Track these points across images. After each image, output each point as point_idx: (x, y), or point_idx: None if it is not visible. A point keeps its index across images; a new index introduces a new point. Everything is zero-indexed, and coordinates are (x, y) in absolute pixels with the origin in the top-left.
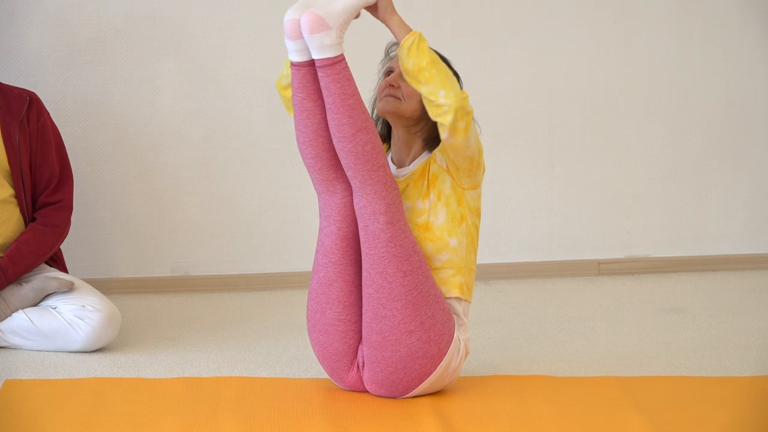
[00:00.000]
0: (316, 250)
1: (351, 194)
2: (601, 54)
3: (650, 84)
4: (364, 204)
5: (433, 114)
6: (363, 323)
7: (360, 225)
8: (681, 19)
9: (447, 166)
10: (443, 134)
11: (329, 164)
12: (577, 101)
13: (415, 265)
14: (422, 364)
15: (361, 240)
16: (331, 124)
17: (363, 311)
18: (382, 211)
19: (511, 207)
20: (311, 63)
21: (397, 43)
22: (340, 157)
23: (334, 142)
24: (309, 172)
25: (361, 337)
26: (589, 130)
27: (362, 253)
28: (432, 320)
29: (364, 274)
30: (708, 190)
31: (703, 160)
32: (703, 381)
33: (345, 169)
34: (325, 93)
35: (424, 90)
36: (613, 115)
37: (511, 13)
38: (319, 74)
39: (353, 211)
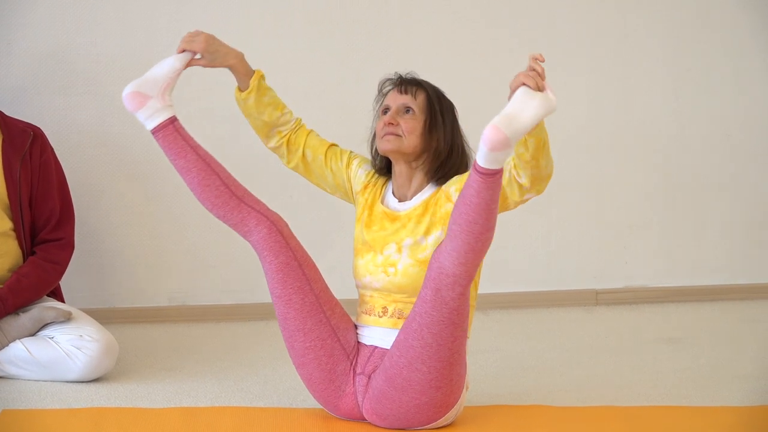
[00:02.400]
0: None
1: (266, 227)
2: (598, 85)
3: (648, 115)
4: (449, 267)
5: (536, 181)
6: (389, 361)
7: (431, 285)
8: (678, 51)
9: None
10: (524, 195)
11: (228, 208)
12: (574, 132)
13: (464, 330)
14: (435, 411)
15: (425, 296)
16: (473, 212)
17: (395, 351)
18: (463, 283)
19: (509, 237)
20: (168, 122)
21: (389, 80)
22: (454, 230)
23: (459, 222)
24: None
25: (338, 360)
26: (587, 161)
27: (419, 307)
28: (458, 377)
29: (413, 324)
30: (706, 221)
31: (701, 190)
32: (702, 411)
33: (450, 238)
34: (474, 195)
35: (543, 162)
36: (611, 145)
37: (508, 43)
38: (478, 178)
39: (276, 241)
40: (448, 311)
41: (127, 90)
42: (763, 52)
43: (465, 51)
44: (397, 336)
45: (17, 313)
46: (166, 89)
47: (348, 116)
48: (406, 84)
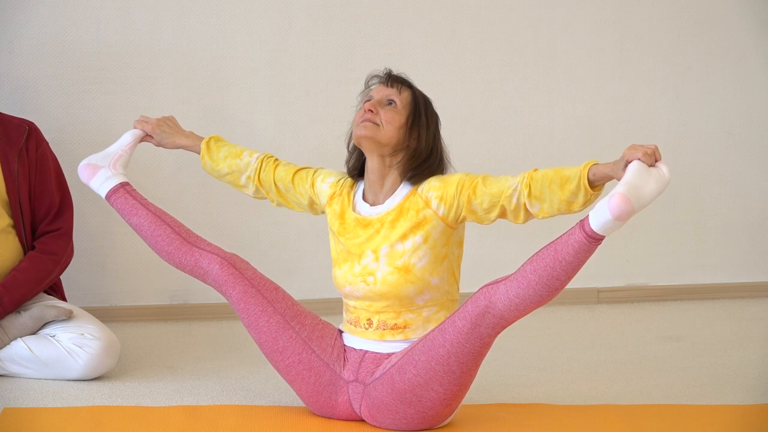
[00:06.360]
0: None
1: (218, 263)
2: (599, 84)
3: (649, 113)
4: (501, 309)
5: (551, 216)
6: (400, 377)
7: (471, 318)
8: (679, 50)
9: (445, 214)
10: (527, 221)
11: (180, 254)
12: (575, 130)
13: (485, 356)
14: (437, 420)
15: (461, 327)
16: (560, 268)
17: (411, 369)
18: (505, 325)
19: (509, 234)
20: (119, 186)
21: (376, 76)
22: (529, 278)
23: (538, 272)
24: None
25: (320, 372)
26: (587, 159)
27: (450, 335)
28: (466, 391)
29: (440, 350)
30: (707, 219)
31: (702, 188)
32: (703, 409)
33: (518, 282)
34: (570, 254)
35: (579, 206)
36: (612, 144)
37: (509, 42)
38: (584, 240)
39: (230, 274)
40: (480, 345)
41: (81, 164)
42: (763, 52)
43: (465, 49)
44: (413, 353)
45: (18, 312)
46: (118, 160)
47: (349, 115)
48: (394, 79)
